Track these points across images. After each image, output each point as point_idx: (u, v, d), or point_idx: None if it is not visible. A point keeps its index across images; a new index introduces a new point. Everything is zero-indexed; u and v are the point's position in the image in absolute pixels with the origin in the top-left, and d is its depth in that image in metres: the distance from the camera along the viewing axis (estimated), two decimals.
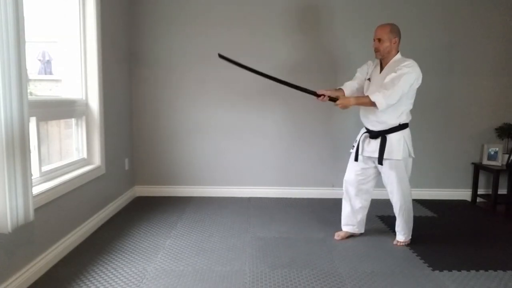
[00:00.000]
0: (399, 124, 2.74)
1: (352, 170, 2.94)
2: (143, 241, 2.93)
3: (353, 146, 2.95)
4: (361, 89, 2.93)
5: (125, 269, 2.47)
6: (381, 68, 2.81)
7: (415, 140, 4.16)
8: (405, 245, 2.92)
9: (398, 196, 2.82)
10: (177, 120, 4.14)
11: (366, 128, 2.88)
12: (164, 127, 4.15)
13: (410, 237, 2.96)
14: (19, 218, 1.95)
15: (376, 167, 2.87)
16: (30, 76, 2.73)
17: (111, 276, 2.37)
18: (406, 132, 2.78)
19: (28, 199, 2.01)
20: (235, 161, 4.20)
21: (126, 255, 2.67)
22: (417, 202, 4.11)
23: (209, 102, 4.06)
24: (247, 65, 2.86)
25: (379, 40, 2.74)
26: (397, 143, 2.72)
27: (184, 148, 4.18)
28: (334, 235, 3.05)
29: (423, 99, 4.16)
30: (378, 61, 2.87)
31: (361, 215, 3.02)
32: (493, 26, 4.10)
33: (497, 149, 4.09)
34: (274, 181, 4.24)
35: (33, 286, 2.24)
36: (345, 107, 2.75)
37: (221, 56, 2.82)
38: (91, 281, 2.30)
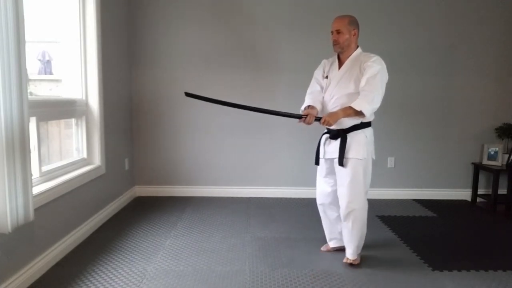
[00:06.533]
0: (361, 123, 2.50)
1: (321, 179, 2.72)
2: (143, 241, 2.93)
3: (317, 150, 2.71)
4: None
5: (125, 269, 2.47)
6: (340, 63, 2.57)
7: (416, 140, 4.24)
8: (352, 265, 2.55)
9: (347, 200, 2.49)
10: (177, 120, 4.14)
11: (326, 128, 2.63)
12: (164, 127, 4.15)
13: (357, 257, 2.59)
14: (19, 218, 1.95)
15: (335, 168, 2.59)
16: (30, 76, 2.73)
17: (111, 276, 2.37)
18: (368, 131, 2.55)
19: (28, 199, 2.01)
20: (235, 161, 4.20)
21: (126, 255, 2.67)
22: (417, 202, 4.11)
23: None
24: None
25: (338, 32, 2.47)
26: (358, 142, 2.48)
27: (184, 148, 4.18)
28: (322, 246, 2.86)
29: (423, 99, 4.18)
30: (335, 57, 2.62)
31: (341, 226, 2.68)
32: (494, 26, 4.10)
33: (497, 149, 4.09)
34: (274, 181, 4.24)
35: (33, 286, 2.24)
36: (334, 122, 2.39)
37: (188, 94, 2.60)
38: (91, 281, 2.30)
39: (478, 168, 4.20)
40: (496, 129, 4.21)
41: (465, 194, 4.32)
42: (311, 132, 4.12)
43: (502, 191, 4.18)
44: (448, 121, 4.22)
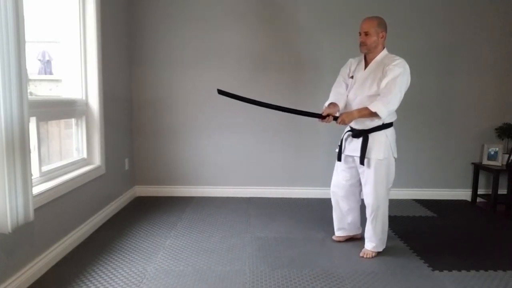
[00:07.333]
0: (383, 123, 2.60)
1: (338, 171, 2.83)
2: (143, 241, 2.93)
3: (339, 146, 2.82)
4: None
5: (125, 269, 2.47)
6: (366, 64, 2.65)
7: (416, 140, 4.24)
8: (372, 256, 2.69)
9: (371, 199, 2.63)
10: (177, 120, 4.14)
11: (350, 126, 2.74)
12: (164, 127, 4.15)
13: (381, 250, 2.74)
14: (19, 218, 1.95)
15: (356, 166, 2.72)
16: (30, 76, 2.73)
17: (111, 276, 2.37)
18: (389, 131, 2.64)
19: (28, 199, 2.01)
20: (235, 161, 4.20)
21: (126, 255, 2.67)
22: (417, 202, 4.12)
23: (209, 102, 4.05)
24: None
25: (366, 33, 2.57)
26: (379, 142, 2.59)
27: (184, 148, 4.18)
28: (333, 236, 2.98)
29: (423, 99, 4.18)
30: (361, 57, 2.70)
31: (351, 217, 2.88)
32: (493, 26, 4.10)
33: (497, 149, 4.09)
34: (274, 181, 4.24)
35: (33, 286, 2.24)
36: (349, 122, 2.57)
37: (220, 92, 2.64)
38: (91, 281, 2.30)
39: (478, 168, 4.20)
40: (496, 129, 4.20)
41: (465, 194, 4.32)
42: (311, 132, 4.13)
43: (502, 191, 4.18)
44: (448, 121, 4.22)
